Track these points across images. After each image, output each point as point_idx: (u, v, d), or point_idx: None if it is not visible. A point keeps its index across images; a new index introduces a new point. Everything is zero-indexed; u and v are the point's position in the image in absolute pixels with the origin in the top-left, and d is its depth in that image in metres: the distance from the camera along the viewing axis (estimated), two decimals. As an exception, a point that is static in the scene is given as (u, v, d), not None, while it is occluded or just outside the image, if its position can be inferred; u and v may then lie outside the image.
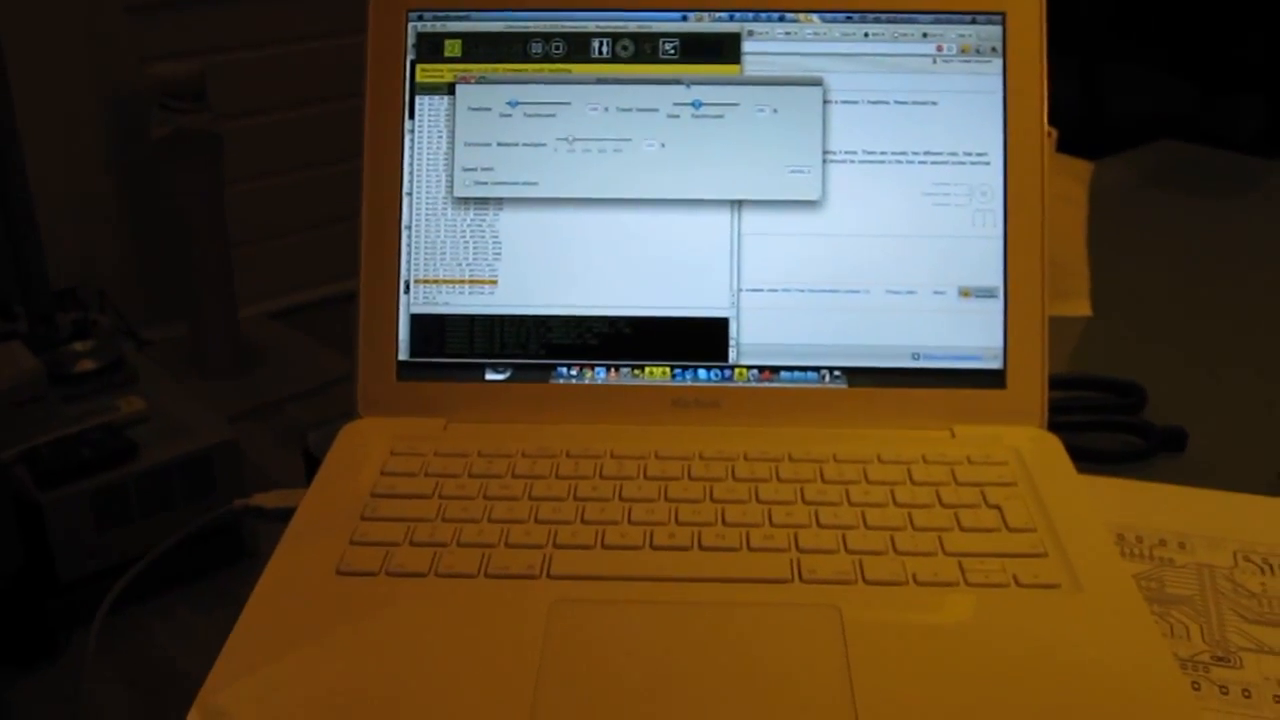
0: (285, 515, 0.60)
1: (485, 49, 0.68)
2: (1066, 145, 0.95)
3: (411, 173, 0.67)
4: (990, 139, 0.67)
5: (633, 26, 0.68)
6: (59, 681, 0.64)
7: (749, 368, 0.67)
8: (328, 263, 2.13)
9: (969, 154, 0.67)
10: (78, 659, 0.64)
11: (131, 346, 1.04)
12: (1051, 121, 0.70)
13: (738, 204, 0.67)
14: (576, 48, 0.68)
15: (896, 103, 0.67)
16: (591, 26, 0.68)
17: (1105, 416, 0.79)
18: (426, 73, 0.68)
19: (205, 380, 1.69)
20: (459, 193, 0.67)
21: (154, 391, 0.79)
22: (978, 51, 0.67)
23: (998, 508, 0.59)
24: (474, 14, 0.68)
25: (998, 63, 0.67)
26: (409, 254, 0.67)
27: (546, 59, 0.68)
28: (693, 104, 0.67)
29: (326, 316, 2.12)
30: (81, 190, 1.98)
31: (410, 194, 0.67)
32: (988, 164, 0.67)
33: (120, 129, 1.98)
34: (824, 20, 0.68)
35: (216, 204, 1.77)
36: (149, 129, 1.74)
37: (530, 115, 0.67)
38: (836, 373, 0.67)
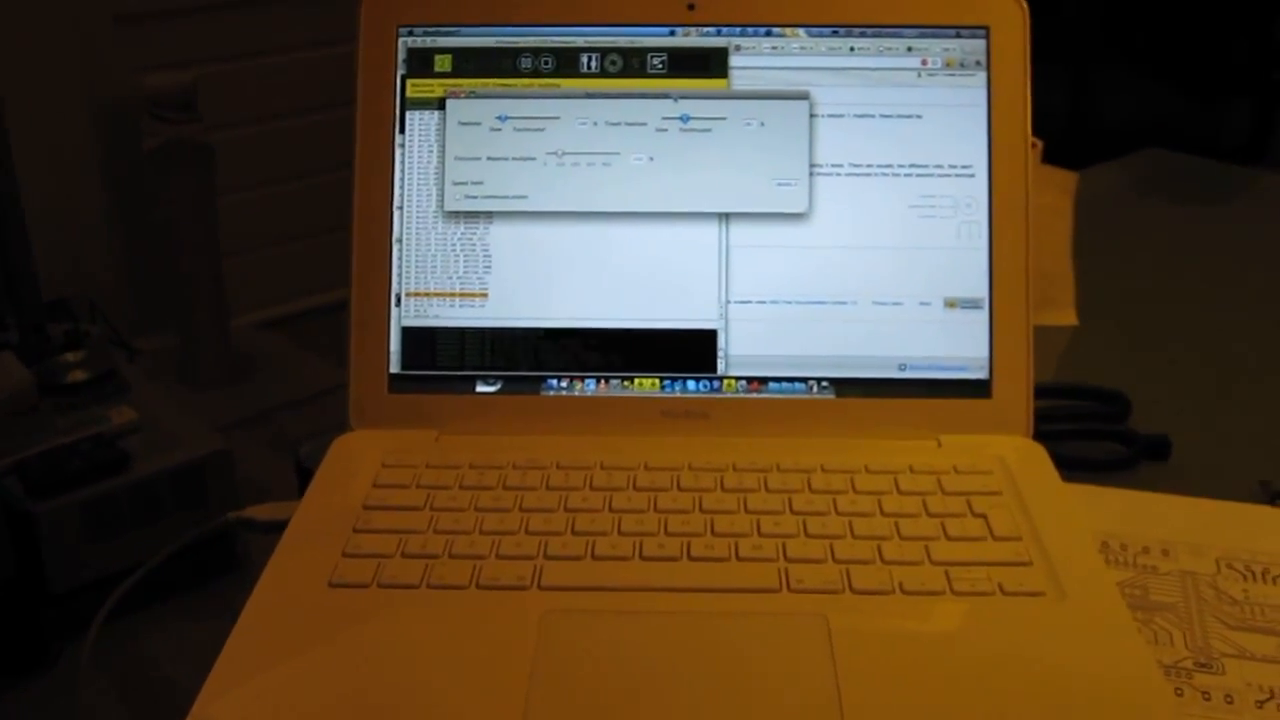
0: (278, 527, 0.61)
1: (475, 64, 0.69)
2: (1053, 152, 0.96)
3: (402, 186, 0.68)
4: (975, 151, 0.68)
5: (621, 41, 0.68)
6: (51, 692, 0.65)
7: (737, 379, 0.67)
8: (319, 272, 2.13)
9: (954, 166, 0.68)
10: (70, 669, 0.65)
11: (123, 357, 1.05)
12: (1038, 129, 0.70)
13: (725, 217, 0.68)
14: (565, 62, 0.68)
15: (882, 116, 0.68)
16: (580, 41, 0.68)
17: (1090, 425, 0.80)
18: (417, 87, 0.68)
19: (197, 390, 1.69)
20: (449, 206, 0.68)
21: (145, 402, 0.79)
22: (962, 65, 0.68)
23: (983, 516, 0.60)
24: (464, 29, 0.69)
25: (982, 76, 0.68)
26: (400, 267, 0.68)
27: (536, 73, 0.68)
28: (681, 118, 0.68)
29: (318, 326, 2.13)
30: (73, 201, 1.99)
31: (401, 208, 0.68)
32: (973, 176, 0.68)
33: (111, 140, 1.98)
34: (810, 35, 0.68)
35: (208, 214, 1.77)
36: (140, 140, 1.74)
37: (520, 129, 0.68)
38: (824, 383, 0.67)
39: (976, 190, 0.67)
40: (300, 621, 0.54)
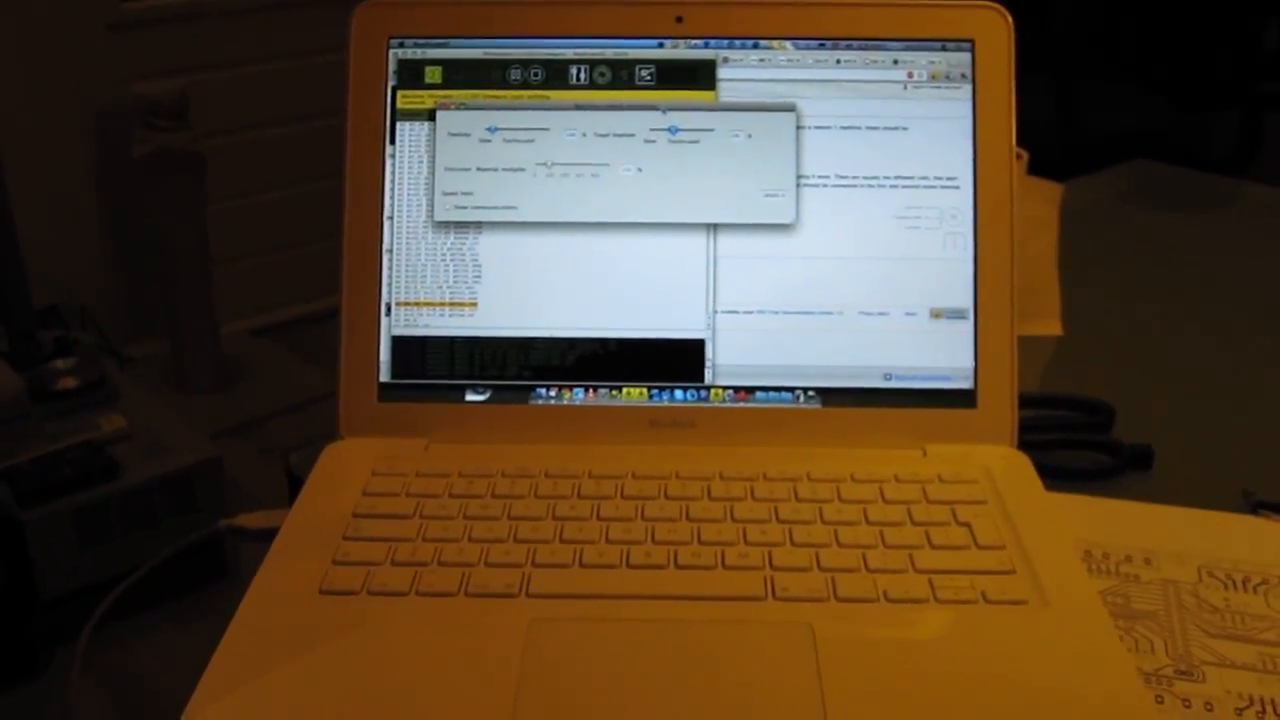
0: (268, 535, 0.61)
1: (465, 75, 0.69)
2: (1040, 163, 0.97)
3: (392, 197, 0.68)
4: (960, 163, 0.68)
5: (609, 54, 0.69)
6: (40, 698, 0.65)
7: (724, 388, 0.68)
8: (309, 280, 2.14)
9: (939, 178, 0.68)
10: (59, 676, 0.65)
11: (113, 364, 1.05)
12: (1025, 139, 0.71)
13: (713, 227, 0.68)
14: (555, 74, 0.69)
15: (868, 128, 0.69)
16: (569, 54, 0.69)
17: (1074, 435, 0.81)
18: (407, 99, 0.69)
19: (187, 397, 1.69)
20: (439, 217, 0.68)
21: (135, 409, 0.79)
22: (948, 78, 0.69)
23: (967, 525, 0.60)
24: (454, 41, 0.69)
25: (967, 88, 0.69)
26: (390, 277, 0.68)
27: (525, 85, 0.69)
28: (669, 129, 0.69)
29: (307, 333, 2.13)
30: (64, 208, 1.99)
31: (391, 218, 0.68)
32: (958, 188, 0.68)
33: (104, 147, 1.99)
34: (797, 47, 0.69)
35: (198, 222, 1.77)
36: (132, 147, 1.74)
37: (509, 141, 0.69)
38: (810, 393, 0.68)
39: (962, 201, 0.68)
40: (290, 629, 0.54)
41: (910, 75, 0.69)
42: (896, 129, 0.69)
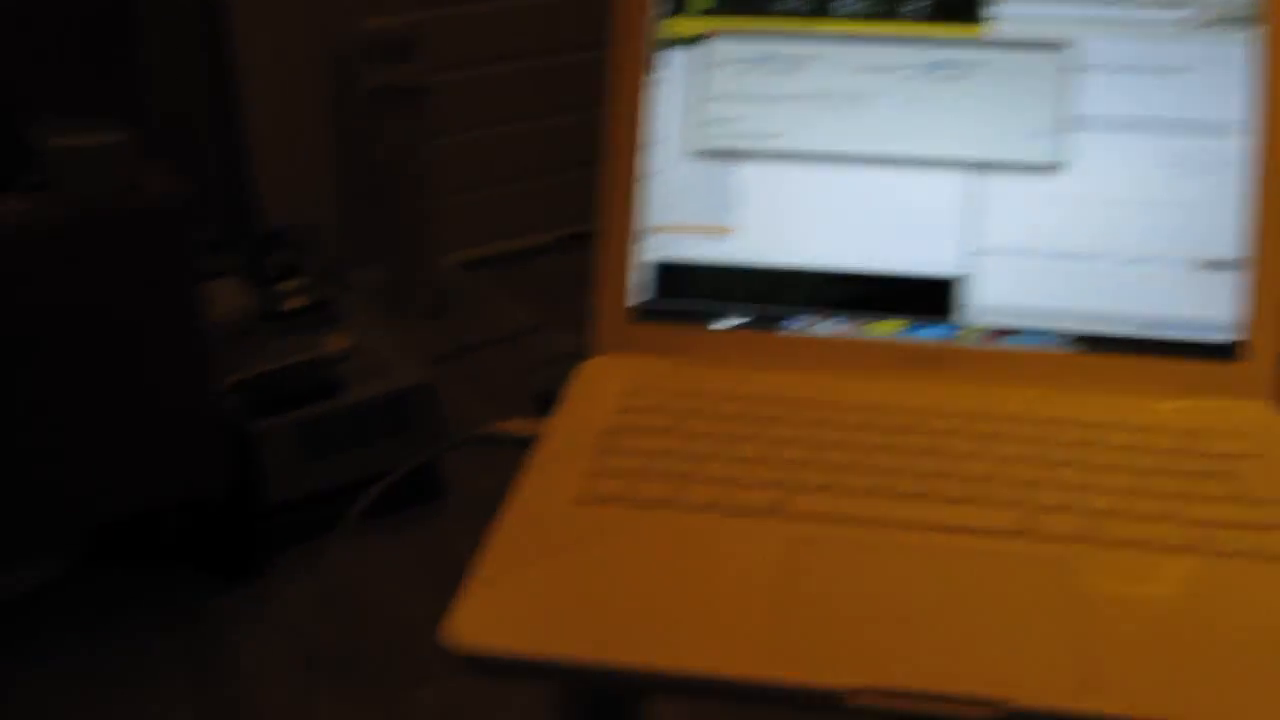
0: (524, 443, 0.63)
1: (734, 3, 0.69)
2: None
3: (654, 123, 0.69)
4: (1242, 109, 0.66)
5: (880, -15, 0.68)
6: (256, 601, 0.68)
7: (978, 328, 0.67)
8: (527, 215, 2.18)
9: (1218, 123, 0.66)
10: (275, 581, 0.68)
11: (337, 287, 1.09)
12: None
13: (976, 165, 0.67)
14: (822, 4, 0.69)
15: (1145, 69, 0.67)
16: (840, -17, 0.69)
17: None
18: (674, 25, 0.70)
19: (404, 323, 1.75)
20: (700, 144, 0.69)
21: (356, 331, 0.82)
22: (1234, 19, 0.66)
23: (1238, 478, 0.58)
24: (724, -32, 0.70)
25: (1255, 31, 0.66)
26: (647, 202, 0.69)
27: (794, 15, 0.69)
28: (936, 64, 0.68)
29: (516, 268, 2.18)
30: (296, 138, 2.06)
31: (651, 143, 0.69)
32: (1237, 134, 0.66)
33: (336, 79, 2.05)
34: (1074, -17, 0.67)
35: (422, 154, 1.82)
36: (361, 81, 1.79)
37: (774, 71, 0.69)
38: (1068, 338, 0.67)
39: (1241, 148, 0.66)
40: (553, 533, 0.56)
41: (1193, 15, 0.66)
42: (1175, 70, 0.66)
